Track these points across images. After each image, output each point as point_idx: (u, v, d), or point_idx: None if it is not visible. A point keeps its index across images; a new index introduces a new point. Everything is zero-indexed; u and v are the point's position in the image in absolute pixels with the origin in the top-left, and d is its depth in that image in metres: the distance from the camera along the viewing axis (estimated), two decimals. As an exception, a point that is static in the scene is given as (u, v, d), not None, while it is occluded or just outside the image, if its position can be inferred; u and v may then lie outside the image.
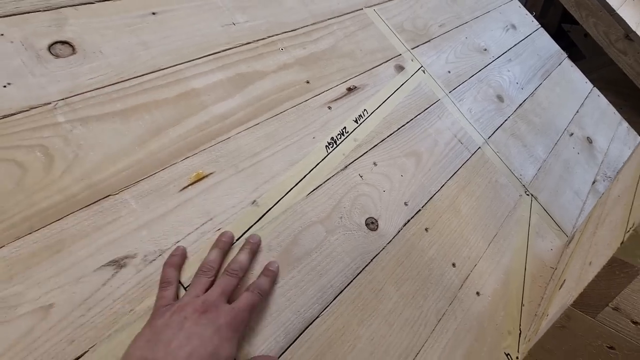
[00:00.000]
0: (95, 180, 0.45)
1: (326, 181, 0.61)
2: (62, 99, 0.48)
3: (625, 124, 1.25)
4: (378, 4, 0.92)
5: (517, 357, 0.62)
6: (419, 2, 1.01)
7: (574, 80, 1.24)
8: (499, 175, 0.84)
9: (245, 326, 0.43)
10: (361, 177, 0.64)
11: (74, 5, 0.54)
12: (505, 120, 0.95)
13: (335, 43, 0.77)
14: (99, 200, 0.44)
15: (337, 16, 0.82)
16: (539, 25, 1.30)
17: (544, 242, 0.80)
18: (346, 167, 0.64)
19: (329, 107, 0.68)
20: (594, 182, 1.00)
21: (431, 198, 0.70)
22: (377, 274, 0.57)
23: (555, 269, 0.76)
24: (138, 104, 0.52)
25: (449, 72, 0.93)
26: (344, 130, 0.67)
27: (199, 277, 0.44)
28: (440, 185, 0.73)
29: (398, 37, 0.89)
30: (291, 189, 0.57)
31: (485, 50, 1.06)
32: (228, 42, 0.64)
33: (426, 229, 0.66)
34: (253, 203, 0.53)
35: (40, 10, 0.51)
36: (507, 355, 0.62)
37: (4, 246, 0.38)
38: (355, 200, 0.61)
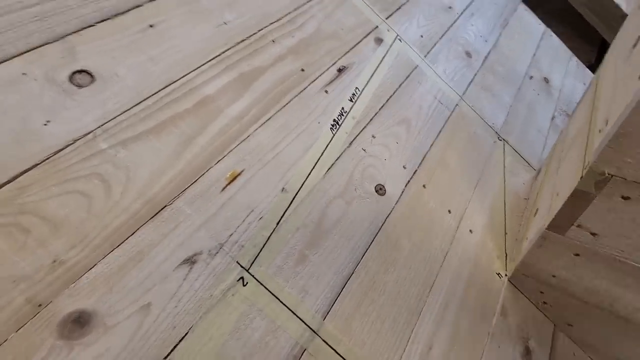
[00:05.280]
0: (150, 195, 0.51)
1: (337, 160, 0.69)
2: (99, 127, 0.52)
3: (575, 59, 1.39)
4: (348, -24, 0.95)
5: (505, 275, 0.78)
6: (385, -33, 1.04)
7: (528, 24, 1.34)
8: (476, 126, 0.95)
9: None
10: (364, 150, 0.73)
11: (77, 31, 0.56)
12: (475, 75, 1.05)
13: (318, 26, 0.82)
14: (159, 211, 0.51)
15: (315, -3, 0.85)
16: (494, -27, 1.36)
17: (517, 179, 0.94)
18: (350, 144, 0.72)
19: (326, 91, 0.75)
20: (552, 118, 1.14)
21: (424, 158, 0.81)
22: (391, 230, 0.68)
23: (528, 199, 0.91)
24: (164, 118, 0.57)
25: (422, 36, 0.99)
26: (342, 111, 0.75)
27: None
28: (429, 145, 0.83)
29: (372, 8, 0.94)
30: (310, 172, 0.65)
31: (450, 8, 1.12)
32: (225, 43, 0.68)
33: (424, 186, 0.77)
34: (282, 190, 0.61)
35: (49, 42, 0.53)
36: (497, 274, 0.77)
37: (96, 264, 0.45)
38: (364, 172, 0.71)
